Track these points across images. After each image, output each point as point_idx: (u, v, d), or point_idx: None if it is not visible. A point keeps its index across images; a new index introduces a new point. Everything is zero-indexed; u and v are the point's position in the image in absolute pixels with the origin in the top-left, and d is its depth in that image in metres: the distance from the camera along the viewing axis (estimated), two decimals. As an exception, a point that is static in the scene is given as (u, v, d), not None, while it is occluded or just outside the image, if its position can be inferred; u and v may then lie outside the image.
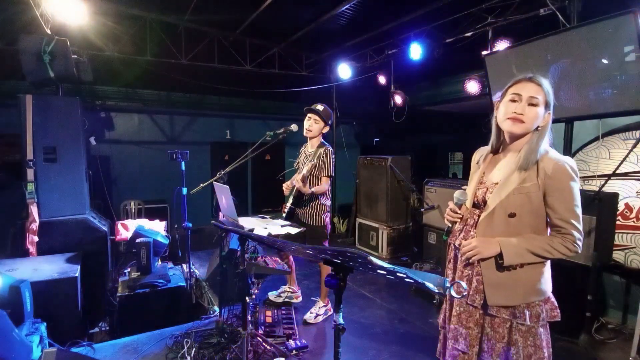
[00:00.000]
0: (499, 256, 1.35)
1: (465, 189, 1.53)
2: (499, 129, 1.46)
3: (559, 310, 1.44)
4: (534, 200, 1.35)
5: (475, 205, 1.49)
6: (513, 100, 1.37)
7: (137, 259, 3.42)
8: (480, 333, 1.45)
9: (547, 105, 1.37)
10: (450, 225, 1.53)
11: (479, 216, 1.46)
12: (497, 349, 1.40)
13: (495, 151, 1.53)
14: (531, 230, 1.37)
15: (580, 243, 1.33)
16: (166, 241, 3.78)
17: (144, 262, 3.41)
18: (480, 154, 1.60)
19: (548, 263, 1.42)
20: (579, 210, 1.33)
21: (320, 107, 3.07)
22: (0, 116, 4.71)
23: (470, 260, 1.42)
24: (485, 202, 1.44)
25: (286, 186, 3.13)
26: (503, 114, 1.39)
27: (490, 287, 1.39)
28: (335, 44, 5.64)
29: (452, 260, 1.59)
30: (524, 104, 1.35)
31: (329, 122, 3.09)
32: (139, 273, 3.43)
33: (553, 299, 1.45)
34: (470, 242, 1.41)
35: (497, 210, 1.38)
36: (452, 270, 1.57)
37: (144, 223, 4.12)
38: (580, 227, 1.33)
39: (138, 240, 3.46)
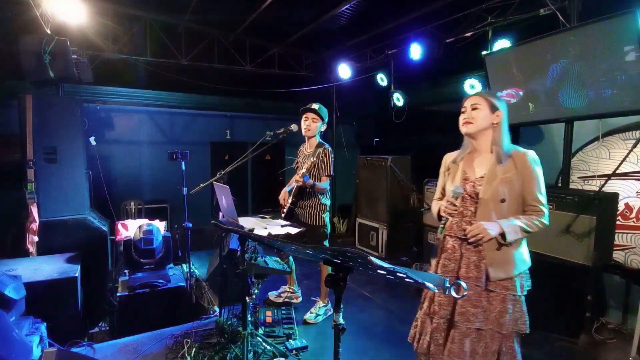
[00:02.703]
0: (501, 236, 1.62)
1: (459, 185, 1.74)
2: (465, 136, 1.83)
3: (530, 281, 1.75)
4: (516, 187, 1.67)
5: (466, 198, 1.74)
6: (462, 112, 1.79)
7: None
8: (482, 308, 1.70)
9: (492, 107, 1.73)
10: (448, 218, 1.73)
11: (475, 206, 1.72)
12: (492, 318, 1.68)
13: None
14: (515, 212, 1.69)
15: (548, 218, 1.69)
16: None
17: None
18: (451, 158, 1.91)
19: (525, 239, 1.75)
20: (544, 192, 1.70)
21: (315, 105, 3.07)
22: (0, 116, 4.72)
23: (481, 242, 1.64)
24: (476, 194, 1.71)
25: (283, 198, 3.13)
26: (460, 124, 1.80)
27: (492, 265, 1.67)
28: (335, 44, 5.64)
29: (449, 249, 1.80)
30: (469, 111, 1.76)
31: (326, 120, 3.09)
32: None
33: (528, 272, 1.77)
34: (478, 226, 1.63)
35: (491, 199, 1.68)
36: (452, 260, 1.77)
37: (142, 223, 4.11)
38: (547, 205, 1.70)
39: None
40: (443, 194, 1.95)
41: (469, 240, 1.67)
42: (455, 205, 1.69)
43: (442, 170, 1.97)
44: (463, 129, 1.78)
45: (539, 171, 1.68)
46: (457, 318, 1.72)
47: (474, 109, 1.74)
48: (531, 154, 1.69)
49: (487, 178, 1.70)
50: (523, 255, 1.74)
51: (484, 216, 1.68)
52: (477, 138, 1.77)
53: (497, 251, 1.67)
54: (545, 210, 1.68)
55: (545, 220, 1.67)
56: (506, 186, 1.66)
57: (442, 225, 1.74)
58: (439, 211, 1.82)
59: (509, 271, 1.67)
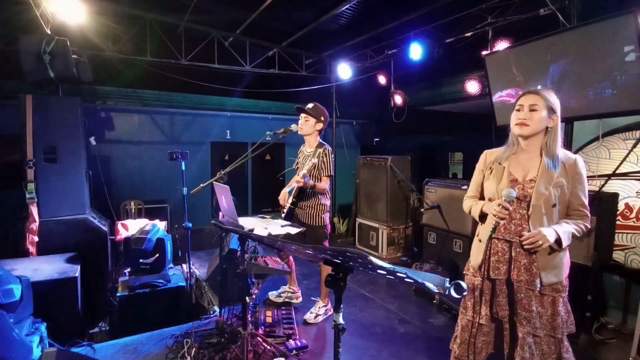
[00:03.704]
0: (556, 242, 1.61)
1: (512, 188, 1.68)
2: (513, 135, 1.77)
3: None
4: (566, 192, 1.67)
5: (513, 200, 1.70)
6: (518, 110, 1.70)
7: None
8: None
9: (549, 110, 1.67)
10: (498, 221, 1.68)
11: (524, 210, 1.69)
12: (544, 322, 1.68)
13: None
14: (562, 216, 1.70)
15: (589, 222, 1.70)
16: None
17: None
18: (493, 156, 1.84)
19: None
20: (587, 197, 1.71)
21: (309, 105, 3.08)
22: (0, 116, 4.72)
23: (539, 249, 1.63)
24: (524, 197, 1.69)
25: (283, 198, 3.14)
26: (512, 122, 1.72)
27: (545, 269, 1.67)
28: (335, 44, 5.64)
29: (499, 252, 1.75)
30: (526, 111, 1.67)
31: (322, 119, 3.09)
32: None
33: None
34: (538, 233, 1.60)
35: (544, 203, 1.65)
36: (503, 262, 1.74)
37: (144, 223, 4.12)
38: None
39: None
40: (480, 192, 1.90)
41: (526, 247, 1.64)
42: (508, 209, 1.65)
43: (480, 167, 1.90)
44: (517, 129, 1.70)
45: (585, 176, 1.70)
46: (516, 319, 1.72)
47: (531, 110, 1.66)
48: (580, 159, 1.69)
49: (539, 182, 1.67)
50: (568, 258, 1.75)
51: (536, 221, 1.66)
52: (529, 140, 1.71)
53: (549, 256, 1.67)
54: (589, 215, 1.70)
55: (589, 224, 1.70)
56: (558, 191, 1.66)
57: (492, 230, 1.69)
58: (482, 213, 1.79)
59: (559, 275, 1.68)
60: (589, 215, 1.69)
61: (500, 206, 1.63)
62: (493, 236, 1.73)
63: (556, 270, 1.68)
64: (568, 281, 1.74)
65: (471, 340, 1.81)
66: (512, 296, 1.74)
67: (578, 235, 1.66)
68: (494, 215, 1.66)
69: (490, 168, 1.82)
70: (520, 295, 1.71)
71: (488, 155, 1.87)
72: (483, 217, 1.81)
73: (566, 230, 1.63)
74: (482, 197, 1.89)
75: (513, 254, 1.72)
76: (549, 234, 1.59)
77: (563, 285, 1.69)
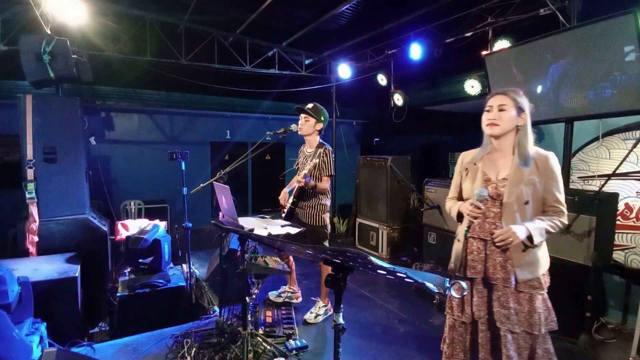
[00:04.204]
0: (528, 238, 1.62)
1: (484, 187, 1.72)
2: (485, 136, 1.81)
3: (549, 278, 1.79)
4: (539, 189, 1.68)
5: (487, 199, 1.72)
6: (487, 111, 1.75)
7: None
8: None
9: (518, 109, 1.70)
10: (472, 220, 1.71)
11: (498, 208, 1.72)
12: (522, 319, 1.69)
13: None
14: (537, 213, 1.70)
15: (566, 217, 1.72)
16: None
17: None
18: (469, 157, 1.88)
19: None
20: (563, 192, 1.72)
21: (308, 105, 3.08)
22: (0, 116, 4.71)
23: (510, 246, 1.65)
24: (498, 196, 1.71)
25: (283, 198, 3.14)
26: (483, 123, 1.76)
27: (519, 267, 1.68)
28: (335, 44, 5.64)
29: (474, 251, 1.78)
30: (495, 112, 1.71)
31: (322, 119, 3.09)
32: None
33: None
34: (508, 230, 1.62)
35: (516, 201, 1.67)
36: (478, 261, 1.77)
37: (145, 223, 4.12)
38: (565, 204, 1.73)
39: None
40: (459, 193, 1.93)
41: (497, 244, 1.66)
42: (480, 208, 1.68)
43: (458, 169, 1.93)
44: (488, 130, 1.74)
45: (559, 172, 1.70)
46: (493, 318, 1.73)
47: (500, 110, 1.70)
48: (552, 156, 1.71)
49: (510, 180, 1.69)
50: (545, 255, 1.76)
51: (509, 219, 1.68)
52: (500, 139, 1.75)
53: (523, 252, 1.68)
54: (565, 211, 1.70)
55: (565, 220, 1.70)
56: (530, 188, 1.67)
57: (466, 229, 1.72)
58: (459, 213, 1.81)
59: (535, 271, 1.69)
60: (565, 211, 1.69)
61: (473, 205, 1.68)
62: (468, 235, 1.77)
63: (531, 267, 1.69)
64: (549, 278, 1.76)
65: (459, 339, 1.84)
66: (490, 295, 1.75)
67: (553, 231, 1.67)
68: (468, 215, 1.70)
69: (467, 169, 1.86)
70: (498, 293, 1.73)
71: (465, 157, 1.92)
72: (460, 217, 1.83)
73: (538, 226, 1.64)
74: (461, 198, 1.92)
75: (488, 252, 1.74)
76: (519, 230, 1.60)
77: (540, 282, 1.70)
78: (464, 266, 1.80)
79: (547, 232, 1.66)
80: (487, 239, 1.73)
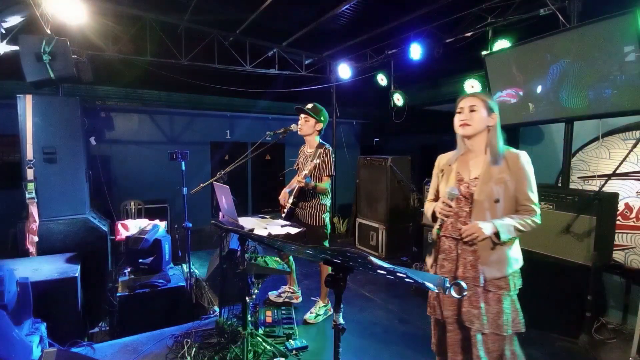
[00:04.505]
0: (495, 235, 1.64)
1: (455, 186, 1.75)
2: (458, 137, 1.84)
3: (521, 280, 1.78)
4: (510, 187, 1.70)
5: (460, 198, 1.76)
6: (459, 112, 1.79)
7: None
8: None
9: (488, 109, 1.75)
10: (443, 219, 1.74)
11: (470, 207, 1.74)
12: (490, 320, 1.70)
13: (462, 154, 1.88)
14: (509, 211, 1.72)
15: (540, 217, 1.71)
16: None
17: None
18: (445, 159, 1.93)
19: (517, 239, 1.77)
20: (536, 192, 1.73)
21: (308, 105, 3.08)
22: (0, 116, 4.71)
23: (476, 241, 1.66)
24: (470, 195, 1.74)
25: (283, 199, 3.13)
26: (456, 125, 1.80)
27: (487, 264, 1.70)
28: (335, 44, 5.64)
29: (446, 250, 1.82)
30: (466, 112, 1.75)
31: (321, 119, 3.09)
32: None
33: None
34: (473, 226, 1.64)
35: (486, 199, 1.70)
36: (449, 260, 1.80)
37: (145, 223, 4.12)
38: (538, 204, 1.73)
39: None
40: (436, 195, 1.96)
41: (464, 240, 1.68)
42: (450, 206, 1.70)
43: (435, 171, 1.98)
44: (460, 130, 1.78)
45: (531, 171, 1.71)
46: (462, 318, 1.75)
47: (471, 111, 1.75)
48: (523, 155, 1.72)
49: (481, 179, 1.73)
50: (516, 254, 1.76)
51: (478, 216, 1.70)
52: (472, 139, 1.79)
53: (491, 250, 1.70)
54: (537, 210, 1.70)
55: (538, 220, 1.70)
56: (500, 186, 1.69)
57: (438, 227, 1.77)
58: (433, 212, 1.84)
59: (502, 270, 1.69)
60: (537, 210, 1.70)
61: (444, 203, 1.71)
62: (441, 234, 1.82)
63: (499, 265, 1.70)
64: (520, 280, 1.75)
65: (443, 337, 1.86)
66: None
67: (524, 230, 1.67)
68: (439, 213, 1.74)
69: (442, 170, 1.92)
70: (469, 293, 1.73)
71: (441, 159, 1.96)
72: (435, 217, 1.84)
73: (506, 223, 1.65)
74: (438, 200, 1.94)
75: (460, 252, 1.77)
76: (485, 226, 1.62)
77: (507, 283, 1.70)
78: (437, 266, 1.84)
79: (517, 230, 1.66)
80: (459, 238, 1.75)
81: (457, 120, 1.79)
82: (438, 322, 1.87)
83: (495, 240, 1.66)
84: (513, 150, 1.76)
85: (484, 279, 1.69)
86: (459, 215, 1.76)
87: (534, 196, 1.71)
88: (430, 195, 2.03)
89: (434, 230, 1.81)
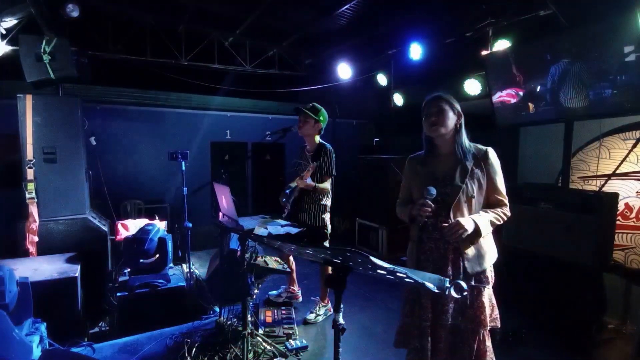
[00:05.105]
0: (474, 231, 1.69)
1: (429, 187, 1.73)
2: (427, 139, 1.91)
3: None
4: (482, 182, 1.78)
5: (437, 198, 1.76)
6: (428, 115, 1.84)
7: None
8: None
9: (454, 109, 1.83)
10: (424, 220, 1.75)
11: (448, 205, 1.76)
12: (469, 315, 1.74)
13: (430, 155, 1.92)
14: (481, 206, 1.80)
15: (508, 209, 1.82)
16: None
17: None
18: (415, 161, 1.96)
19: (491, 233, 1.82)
20: (504, 185, 1.82)
21: (309, 105, 3.08)
22: (0, 116, 4.71)
23: (460, 238, 1.68)
24: (447, 194, 1.77)
25: (283, 199, 3.13)
26: (426, 128, 1.86)
27: (469, 260, 1.75)
28: (335, 44, 5.64)
29: (428, 251, 1.83)
30: (436, 114, 1.81)
31: (321, 119, 3.09)
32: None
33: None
34: (457, 223, 1.67)
35: (462, 196, 1.75)
36: (431, 261, 1.81)
37: (144, 223, 4.11)
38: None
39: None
40: (409, 196, 1.97)
41: (448, 238, 1.71)
42: (430, 207, 1.71)
43: (406, 172, 2.02)
44: (432, 132, 1.83)
45: (499, 165, 1.81)
46: (442, 316, 1.77)
47: (439, 112, 1.81)
48: (491, 150, 1.82)
49: (456, 177, 1.78)
50: (492, 247, 1.84)
51: (457, 214, 1.74)
52: (442, 139, 1.84)
53: (472, 245, 1.75)
54: (507, 202, 1.81)
55: (508, 212, 1.80)
56: (474, 183, 1.76)
57: (419, 228, 1.79)
58: (411, 214, 1.82)
59: (483, 263, 1.77)
60: (507, 203, 1.80)
61: (422, 205, 1.71)
62: (422, 235, 1.84)
63: (480, 259, 1.76)
64: (494, 273, 1.83)
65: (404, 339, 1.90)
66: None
67: (498, 222, 1.76)
68: (419, 215, 1.73)
69: (415, 172, 1.94)
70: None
71: (411, 160, 2.00)
72: (413, 219, 1.83)
73: (484, 218, 1.73)
74: (411, 201, 1.94)
75: (442, 251, 1.80)
76: (467, 223, 1.67)
77: (486, 276, 1.78)
78: (417, 266, 1.85)
79: (492, 223, 1.75)
80: (439, 238, 1.78)
81: (427, 123, 1.84)
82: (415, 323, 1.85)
83: (475, 236, 1.71)
84: (481, 147, 1.84)
85: (466, 274, 1.73)
86: (437, 215, 1.78)
87: (504, 189, 1.80)
88: (402, 196, 2.05)
89: (415, 233, 1.84)
